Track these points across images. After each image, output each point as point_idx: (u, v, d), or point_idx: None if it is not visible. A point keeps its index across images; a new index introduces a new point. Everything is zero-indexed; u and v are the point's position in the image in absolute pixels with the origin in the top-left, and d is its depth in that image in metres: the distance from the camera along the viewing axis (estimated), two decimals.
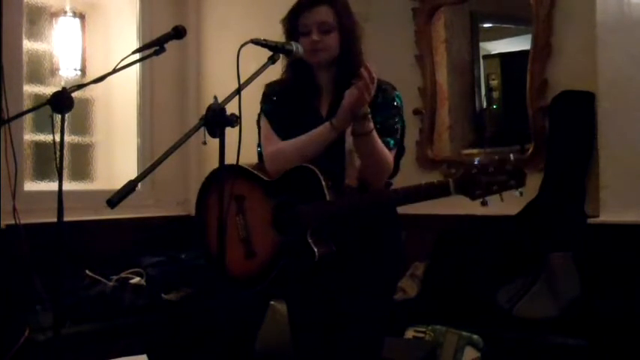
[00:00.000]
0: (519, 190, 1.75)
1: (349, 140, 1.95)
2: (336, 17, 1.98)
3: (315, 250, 1.90)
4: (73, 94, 2.02)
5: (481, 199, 1.78)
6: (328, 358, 2.03)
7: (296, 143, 2.00)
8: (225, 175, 1.72)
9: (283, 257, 1.97)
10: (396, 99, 2.04)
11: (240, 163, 1.88)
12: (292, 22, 2.02)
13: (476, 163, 1.77)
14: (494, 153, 3.41)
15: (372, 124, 1.89)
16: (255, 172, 2.06)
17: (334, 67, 2.02)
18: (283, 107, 2.09)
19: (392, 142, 2.00)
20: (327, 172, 1.94)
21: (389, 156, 1.97)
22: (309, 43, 1.96)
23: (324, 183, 1.90)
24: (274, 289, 2.07)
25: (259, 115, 2.14)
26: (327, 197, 1.90)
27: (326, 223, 1.94)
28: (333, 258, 1.95)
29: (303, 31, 1.99)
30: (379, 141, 1.92)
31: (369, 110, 1.88)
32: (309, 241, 1.90)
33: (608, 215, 2.79)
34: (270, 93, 2.13)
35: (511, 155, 1.77)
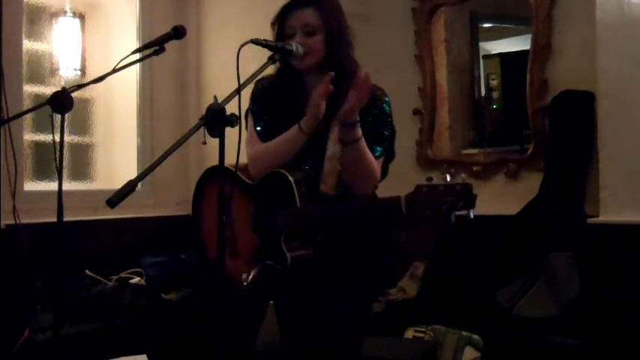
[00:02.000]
0: (469, 211, 1.65)
1: (331, 148, 1.95)
2: (322, 19, 1.97)
3: (288, 255, 1.90)
4: (73, 94, 2.03)
5: (431, 219, 1.69)
6: (314, 357, 2.04)
7: (270, 147, 2.01)
8: (214, 176, 1.71)
9: (262, 259, 1.98)
10: (386, 105, 2.03)
11: (227, 165, 1.88)
12: (279, 25, 2.02)
13: (427, 181, 1.70)
14: (494, 153, 3.46)
15: (360, 132, 1.89)
16: (239, 174, 2.06)
17: (322, 70, 1.99)
18: (271, 110, 2.09)
19: (379, 149, 2.00)
20: (303, 178, 1.94)
21: (375, 164, 1.97)
22: None
23: (295, 189, 1.90)
24: (261, 288, 2.06)
25: (247, 111, 2.13)
26: (298, 204, 1.90)
27: (298, 229, 1.94)
28: (310, 261, 1.95)
29: (288, 33, 1.99)
30: (367, 149, 1.92)
31: (358, 118, 1.88)
32: (283, 246, 1.91)
33: (608, 215, 2.79)
34: (260, 93, 2.11)
35: (462, 175, 1.70)
